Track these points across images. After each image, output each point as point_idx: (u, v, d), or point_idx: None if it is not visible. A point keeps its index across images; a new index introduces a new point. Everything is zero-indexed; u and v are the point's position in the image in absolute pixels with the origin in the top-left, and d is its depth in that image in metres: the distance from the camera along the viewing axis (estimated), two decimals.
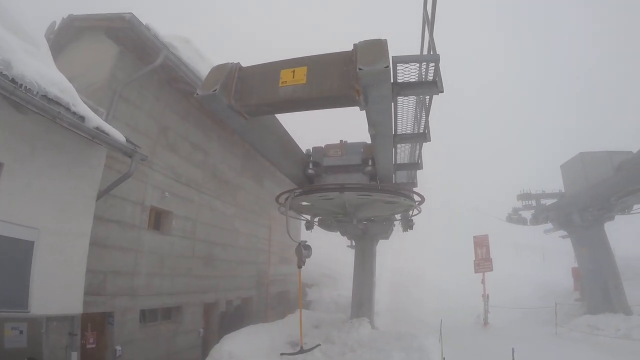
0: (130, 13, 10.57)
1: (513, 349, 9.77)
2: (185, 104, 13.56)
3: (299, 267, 11.01)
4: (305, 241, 11.00)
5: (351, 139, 11.67)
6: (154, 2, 71.50)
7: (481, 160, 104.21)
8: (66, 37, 13.31)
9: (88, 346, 9.34)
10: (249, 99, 6.17)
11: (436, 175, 66.63)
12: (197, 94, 5.98)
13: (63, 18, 13.24)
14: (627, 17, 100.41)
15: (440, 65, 5.86)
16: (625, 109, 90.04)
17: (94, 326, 9.81)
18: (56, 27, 13.51)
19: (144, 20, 11.14)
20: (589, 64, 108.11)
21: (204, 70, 11.38)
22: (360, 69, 5.17)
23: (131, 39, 11.10)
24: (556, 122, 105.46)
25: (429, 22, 6.67)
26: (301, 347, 11.11)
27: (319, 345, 11.61)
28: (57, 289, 7.71)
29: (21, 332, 6.96)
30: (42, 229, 7.39)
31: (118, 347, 10.36)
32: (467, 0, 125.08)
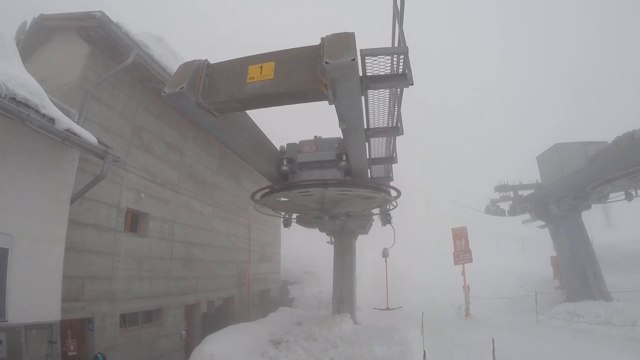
0: (101, 11, 10.41)
1: (493, 339, 9.85)
2: (159, 103, 13.42)
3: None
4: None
5: (327, 134, 11.65)
6: (134, 2, 70.82)
7: (460, 155, 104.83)
8: (37, 37, 13.10)
9: (69, 354, 9.22)
10: (216, 96, 6.10)
11: (415, 169, 66.94)
12: (165, 92, 5.91)
13: (34, 18, 13.02)
14: (625, 17, 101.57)
15: (423, 61, 5.87)
16: (619, 107, 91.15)
17: (74, 333, 9.70)
18: (27, 28, 13.28)
19: (116, 18, 11.02)
20: (578, 61, 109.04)
21: (176, 68, 11.35)
22: (326, 63, 5.13)
23: (102, 38, 10.95)
24: (540, 118, 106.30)
25: (398, 14, 6.67)
26: (387, 307, 15.98)
27: (401, 307, 16.52)
28: (34, 296, 7.62)
29: (0, 342, 6.84)
30: (16, 235, 7.31)
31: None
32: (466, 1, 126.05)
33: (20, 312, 7.19)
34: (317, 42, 5.91)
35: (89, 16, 10.58)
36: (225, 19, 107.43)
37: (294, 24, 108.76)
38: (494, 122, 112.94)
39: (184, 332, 14.27)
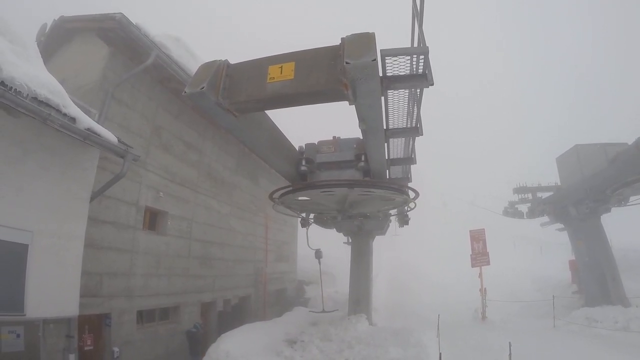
0: (120, 13, 10.53)
1: (510, 343, 9.78)
2: (178, 103, 13.52)
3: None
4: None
5: (345, 134, 11.62)
6: (146, 2, 71.11)
7: (477, 155, 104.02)
8: (58, 39, 13.30)
9: (86, 348, 9.30)
10: (237, 96, 6.13)
11: (433, 170, 66.50)
12: (185, 92, 5.95)
13: (54, 20, 13.21)
14: (625, 15, 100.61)
15: (432, 59, 5.83)
16: (622, 105, 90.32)
17: (91, 328, 9.79)
18: (47, 29, 13.48)
19: (135, 20, 11.13)
20: (586, 60, 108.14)
21: (195, 68, 11.38)
22: (347, 63, 5.12)
23: (122, 39, 11.06)
24: (552, 117, 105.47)
25: (418, 14, 6.65)
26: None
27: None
28: (52, 291, 7.73)
29: (18, 335, 6.93)
30: (36, 231, 7.41)
31: (116, 349, 10.35)
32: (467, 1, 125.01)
33: (38, 307, 7.32)
34: (323, 41, 5.93)
35: (109, 18, 10.70)
36: (234, 18, 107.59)
37: (299, 24, 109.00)
38: (499, 119, 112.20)
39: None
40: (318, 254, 16.68)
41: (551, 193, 26.57)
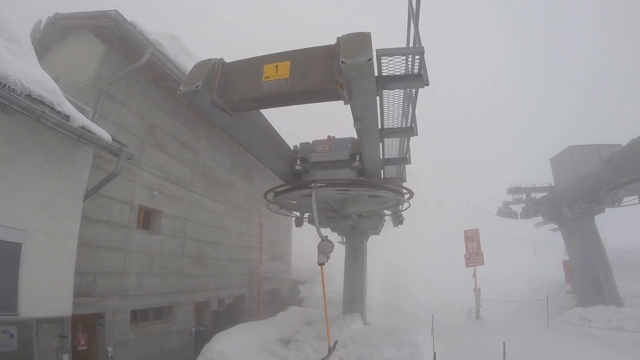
0: (115, 10, 10.48)
1: (504, 342, 9.81)
2: (173, 101, 13.49)
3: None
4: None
5: (340, 134, 11.63)
6: (142, 0, 70.91)
7: (473, 156, 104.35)
8: (52, 36, 13.22)
9: (79, 348, 9.28)
10: (232, 95, 6.13)
11: (427, 170, 66.68)
12: (180, 90, 5.94)
13: (49, 17, 13.14)
14: (625, 19, 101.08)
15: (433, 60, 5.85)
16: (621, 107, 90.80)
17: (85, 328, 9.76)
18: (42, 26, 13.40)
19: (130, 17, 11.08)
20: (586, 62, 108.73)
21: (190, 67, 11.36)
22: (343, 62, 5.13)
23: (117, 37, 11.01)
24: (548, 120, 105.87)
25: (414, 14, 6.65)
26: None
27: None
28: (46, 290, 7.67)
29: (11, 335, 6.88)
30: (29, 230, 7.35)
31: (109, 349, 10.31)
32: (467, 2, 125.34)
33: (32, 306, 7.26)
34: (319, 40, 5.94)
35: (104, 15, 10.65)
36: (233, 16, 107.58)
37: (296, 23, 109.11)
38: (497, 122, 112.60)
39: (193, 329, 14.28)
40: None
41: (545, 194, 26.70)
